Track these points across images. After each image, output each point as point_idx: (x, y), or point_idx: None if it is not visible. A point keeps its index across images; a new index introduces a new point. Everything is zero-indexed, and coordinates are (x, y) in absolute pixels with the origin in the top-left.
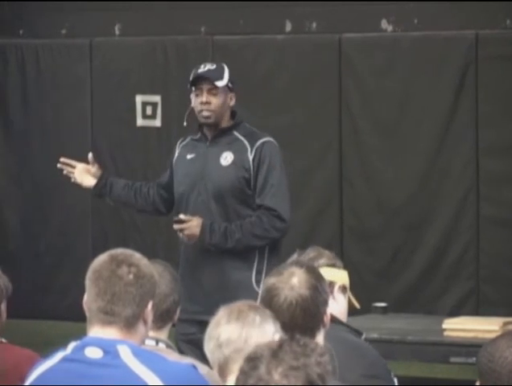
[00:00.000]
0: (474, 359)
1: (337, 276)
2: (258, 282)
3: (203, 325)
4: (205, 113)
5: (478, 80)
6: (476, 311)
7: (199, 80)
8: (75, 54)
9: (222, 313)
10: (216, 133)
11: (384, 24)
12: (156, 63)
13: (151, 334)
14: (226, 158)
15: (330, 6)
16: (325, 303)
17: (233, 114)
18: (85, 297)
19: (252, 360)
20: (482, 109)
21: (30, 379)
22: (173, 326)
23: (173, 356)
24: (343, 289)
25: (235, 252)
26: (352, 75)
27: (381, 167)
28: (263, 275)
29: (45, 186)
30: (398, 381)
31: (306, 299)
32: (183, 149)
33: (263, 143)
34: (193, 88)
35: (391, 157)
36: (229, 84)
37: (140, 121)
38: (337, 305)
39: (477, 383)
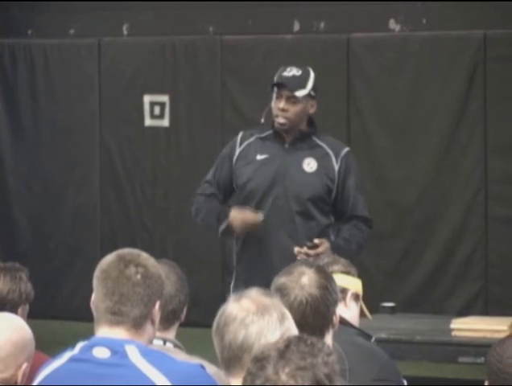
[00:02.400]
0: (483, 359)
1: (351, 283)
2: None
3: None
4: (281, 120)
5: (487, 79)
6: (485, 311)
7: (280, 86)
8: (83, 54)
9: (245, 309)
10: (297, 136)
11: (392, 24)
12: (164, 63)
13: (158, 334)
14: (309, 164)
15: (338, 6)
16: (335, 303)
17: (311, 121)
18: (93, 297)
19: (259, 361)
20: (491, 109)
21: (38, 380)
22: (181, 325)
23: (181, 356)
24: (356, 296)
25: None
26: (360, 75)
27: (391, 167)
28: None
29: (54, 186)
30: (407, 381)
31: (316, 298)
32: (249, 147)
33: (348, 153)
34: (275, 89)
35: (400, 156)
36: (311, 93)
37: (148, 121)
38: (349, 313)
39: (486, 384)
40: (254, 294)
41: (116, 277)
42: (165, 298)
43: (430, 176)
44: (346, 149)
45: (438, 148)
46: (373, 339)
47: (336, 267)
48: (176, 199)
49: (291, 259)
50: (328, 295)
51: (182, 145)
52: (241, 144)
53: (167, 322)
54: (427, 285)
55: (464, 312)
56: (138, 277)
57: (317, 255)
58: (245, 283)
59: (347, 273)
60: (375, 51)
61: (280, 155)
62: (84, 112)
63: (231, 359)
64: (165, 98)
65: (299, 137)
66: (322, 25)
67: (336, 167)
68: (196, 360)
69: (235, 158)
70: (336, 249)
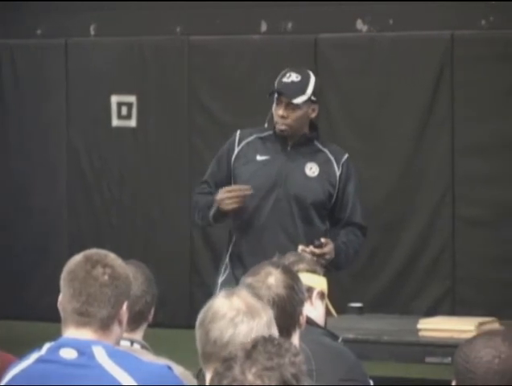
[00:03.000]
0: (450, 359)
1: (316, 282)
2: None
3: None
4: (281, 127)
5: (454, 80)
6: (452, 311)
7: (279, 92)
8: (50, 54)
9: (234, 308)
10: (301, 140)
11: (359, 24)
12: (131, 64)
13: (125, 335)
14: (312, 169)
15: (305, 7)
16: (301, 303)
17: (313, 125)
18: (60, 297)
19: (226, 361)
20: (458, 110)
21: (5, 380)
22: (148, 326)
23: (148, 357)
24: (321, 295)
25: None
26: (328, 76)
27: (358, 167)
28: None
29: (21, 187)
30: (374, 381)
31: (282, 299)
32: (249, 147)
33: (348, 159)
34: (275, 94)
35: (368, 157)
36: (312, 97)
37: (115, 122)
38: (315, 311)
39: (453, 384)
40: (245, 294)
41: (83, 278)
42: (131, 299)
43: (397, 177)
44: (346, 155)
45: (406, 149)
46: (340, 339)
47: (301, 266)
48: (144, 199)
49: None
50: (294, 295)
51: (149, 146)
52: (239, 143)
53: (133, 323)
54: (394, 286)
55: (431, 312)
56: (106, 277)
57: (323, 254)
58: (237, 280)
59: (312, 271)
60: (343, 51)
61: (282, 157)
62: (51, 112)
63: (212, 355)
64: (132, 98)
65: (303, 141)
66: (289, 25)
67: (338, 173)
68: (163, 361)
69: (234, 156)
70: (338, 252)
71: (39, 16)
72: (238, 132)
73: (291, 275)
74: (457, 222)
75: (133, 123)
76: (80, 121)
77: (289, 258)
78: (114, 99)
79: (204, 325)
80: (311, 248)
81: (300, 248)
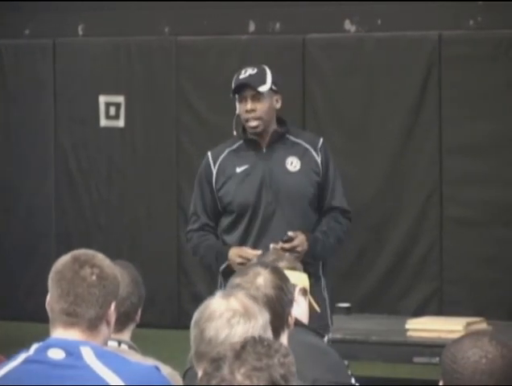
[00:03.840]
0: (437, 359)
1: (298, 278)
2: (325, 288)
3: None
4: (252, 123)
5: (442, 80)
6: (440, 311)
7: (241, 88)
8: (38, 54)
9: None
10: (273, 138)
11: (347, 25)
12: (120, 64)
13: (113, 335)
14: (292, 164)
15: (293, 7)
16: (290, 303)
17: (280, 120)
18: (48, 298)
19: (215, 361)
20: (446, 109)
21: None
22: (137, 326)
23: (136, 357)
24: (303, 291)
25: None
26: (316, 76)
27: (346, 167)
28: (328, 281)
29: (9, 187)
30: (362, 381)
31: (271, 299)
32: (225, 163)
33: (323, 143)
34: (237, 96)
35: (355, 157)
36: (273, 87)
37: (103, 122)
38: (298, 308)
39: (440, 384)
40: (242, 296)
41: (71, 278)
42: (117, 300)
43: (385, 176)
44: (321, 139)
45: (393, 148)
46: (325, 338)
47: (281, 263)
48: (131, 200)
49: None
50: (283, 295)
51: (137, 146)
52: (214, 163)
53: (119, 324)
54: (382, 286)
55: (419, 312)
56: (94, 277)
57: (294, 248)
58: None
59: (293, 268)
60: (330, 51)
61: (260, 161)
62: (39, 112)
63: (206, 354)
64: (120, 99)
65: (275, 138)
66: (277, 25)
67: (319, 160)
68: (150, 361)
69: (214, 178)
70: (314, 242)
71: (26, 16)
72: (209, 153)
73: (279, 275)
74: (445, 222)
75: (121, 123)
76: (68, 122)
77: (268, 257)
78: (102, 99)
79: (199, 324)
80: (280, 244)
81: (272, 246)
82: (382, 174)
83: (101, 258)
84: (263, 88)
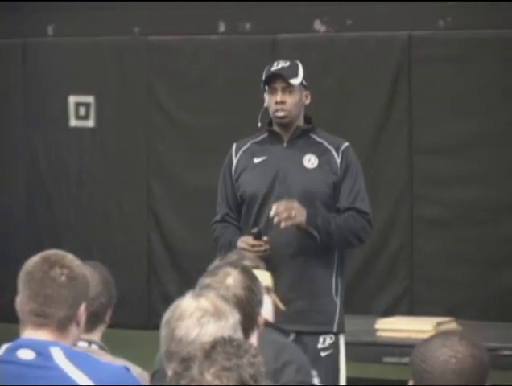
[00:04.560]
0: (407, 359)
1: (261, 277)
2: (336, 293)
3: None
4: (280, 113)
5: (412, 80)
6: (411, 311)
7: (272, 79)
8: (8, 54)
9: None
10: (296, 133)
11: (317, 25)
12: (90, 64)
13: (83, 336)
14: (310, 161)
15: (264, 7)
16: (260, 304)
17: (306, 118)
18: (18, 298)
19: (185, 361)
20: (416, 110)
21: None
22: (107, 326)
23: (106, 358)
24: (267, 290)
25: (326, 251)
26: None
27: None
28: (340, 286)
29: None
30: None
31: (241, 299)
32: (245, 154)
33: (348, 147)
34: (266, 88)
35: None
36: (304, 82)
37: (73, 122)
38: (264, 306)
39: (410, 383)
40: (213, 296)
41: (40, 279)
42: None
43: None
44: (346, 143)
45: (364, 148)
46: (291, 337)
47: (244, 263)
48: (102, 200)
49: (294, 260)
50: (253, 296)
51: (107, 146)
52: (236, 153)
53: (89, 324)
54: (352, 285)
55: (389, 312)
56: (63, 278)
57: (289, 217)
58: None
59: (255, 267)
60: (301, 51)
61: (279, 154)
62: (9, 113)
63: (176, 354)
64: (90, 99)
65: (298, 134)
66: (248, 26)
67: (338, 160)
68: (120, 362)
69: (233, 168)
70: (313, 214)
71: None
72: (234, 144)
73: (249, 276)
74: (416, 221)
75: (91, 123)
76: (39, 122)
77: (231, 257)
78: (72, 99)
79: (170, 323)
80: (249, 241)
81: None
82: (364, 179)
83: (70, 259)
84: (295, 81)
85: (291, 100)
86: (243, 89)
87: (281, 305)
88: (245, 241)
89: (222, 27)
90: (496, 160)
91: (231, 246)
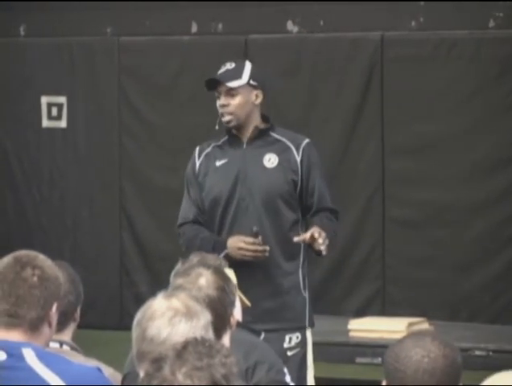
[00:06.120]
0: (380, 359)
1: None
2: (304, 287)
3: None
4: (226, 118)
5: (384, 80)
6: (382, 311)
7: (215, 83)
8: None
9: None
10: (254, 134)
11: (290, 25)
12: (62, 64)
13: (54, 336)
14: (270, 160)
15: (236, 8)
16: (232, 304)
17: (264, 118)
18: None
19: (157, 361)
20: (388, 110)
21: None
22: (77, 327)
23: (78, 358)
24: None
25: (291, 245)
26: None
27: None
28: (306, 279)
29: None
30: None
31: (214, 300)
32: (208, 157)
33: (308, 144)
34: (215, 93)
35: None
36: (251, 82)
37: (45, 122)
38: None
39: (383, 384)
40: (184, 297)
41: (12, 280)
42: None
43: (327, 177)
44: (306, 140)
45: (335, 149)
46: (262, 336)
47: (208, 262)
48: (73, 200)
49: (260, 262)
50: (225, 296)
51: (79, 146)
52: (199, 156)
53: (59, 323)
54: (324, 286)
55: (361, 312)
56: (35, 279)
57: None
58: None
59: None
60: (273, 52)
61: (239, 156)
62: None
63: (148, 354)
64: (62, 99)
65: (257, 134)
66: (220, 26)
67: (298, 159)
68: (92, 363)
69: (197, 171)
70: (325, 228)
71: None
72: (197, 147)
73: (221, 276)
74: (387, 222)
75: (63, 124)
76: (10, 122)
77: (193, 259)
78: (44, 100)
79: (141, 323)
80: (248, 239)
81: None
82: (325, 175)
83: (42, 259)
84: (235, 84)
85: (234, 102)
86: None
87: (247, 302)
88: (243, 240)
89: (194, 28)
90: (468, 161)
91: (215, 246)
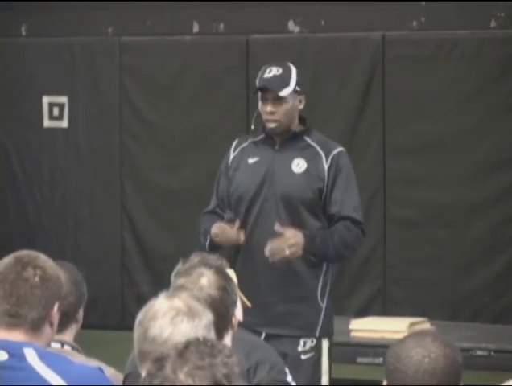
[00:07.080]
0: (381, 359)
1: None
2: (322, 296)
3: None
4: (271, 125)
5: (385, 80)
6: (384, 311)
7: (264, 88)
8: None
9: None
10: (287, 137)
11: (291, 25)
12: (63, 65)
13: (55, 336)
14: (299, 165)
15: (237, 8)
16: (234, 304)
17: (302, 119)
18: None
19: (158, 361)
20: (389, 110)
21: None
22: (80, 327)
23: (79, 358)
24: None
25: (319, 262)
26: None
27: None
28: (328, 288)
29: None
30: None
31: (215, 300)
32: (243, 152)
33: (339, 153)
34: (259, 93)
35: None
36: (297, 88)
37: (47, 122)
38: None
39: (384, 383)
40: (186, 297)
41: (13, 280)
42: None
43: None
44: (339, 148)
45: None
46: (263, 336)
47: (209, 262)
48: (74, 200)
49: (277, 267)
50: (227, 296)
51: (80, 146)
52: (235, 150)
53: (59, 324)
54: None
55: (362, 312)
56: (36, 279)
57: (286, 241)
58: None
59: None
60: (274, 52)
61: (270, 157)
62: None
63: (150, 354)
64: (64, 99)
65: (290, 137)
66: (221, 26)
67: (326, 167)
68: (94, 363)
69: (229, 164)
70: (312, 237)
71: None
72: (236, 140)
73: (223, 276)
74: (388, 223)
75: (64, 124)
76: (11, 122)
77: (193, 259)
78: (46, 100)
79: (143, 323)
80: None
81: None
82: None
83: (43, 259)
84: (285, 92)
85: (281, 109)
86: (217, 90)
87: (248, 303)
88: (217, 226)
89: (196, 28)
90: (468, 161)
91: (206, 233)
